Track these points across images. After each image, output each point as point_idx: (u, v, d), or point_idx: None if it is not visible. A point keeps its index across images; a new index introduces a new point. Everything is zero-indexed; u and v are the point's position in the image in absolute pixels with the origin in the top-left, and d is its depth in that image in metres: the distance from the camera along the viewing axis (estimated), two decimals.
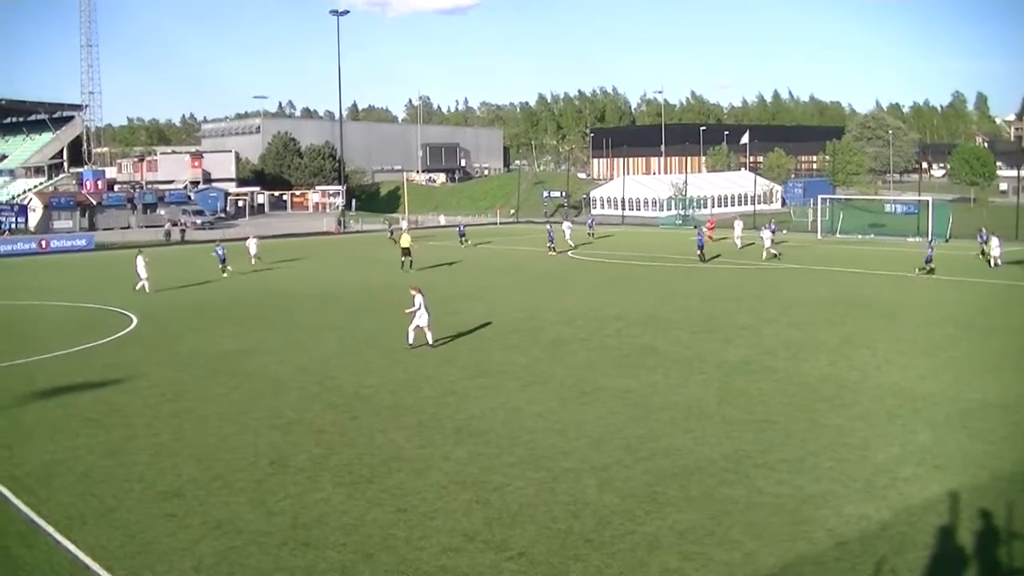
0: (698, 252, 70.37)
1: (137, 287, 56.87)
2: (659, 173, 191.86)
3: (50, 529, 18.58)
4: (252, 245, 73.40)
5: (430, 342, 36.52)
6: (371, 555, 17.02)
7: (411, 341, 36.40)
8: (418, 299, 36.15)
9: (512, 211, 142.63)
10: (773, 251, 71.11)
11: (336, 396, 29.37)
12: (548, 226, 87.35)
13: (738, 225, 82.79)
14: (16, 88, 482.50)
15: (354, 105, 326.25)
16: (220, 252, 67.80)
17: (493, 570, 16.32)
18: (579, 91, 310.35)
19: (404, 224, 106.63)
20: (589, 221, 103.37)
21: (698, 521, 18.31)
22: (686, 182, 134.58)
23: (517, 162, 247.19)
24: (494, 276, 62.57)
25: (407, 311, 36.84)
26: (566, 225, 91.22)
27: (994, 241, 64.16)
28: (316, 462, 22.64)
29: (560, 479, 20.92)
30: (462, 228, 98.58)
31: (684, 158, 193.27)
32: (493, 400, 28.39)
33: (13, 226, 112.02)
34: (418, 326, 36.35)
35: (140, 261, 58.20)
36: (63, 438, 25.37)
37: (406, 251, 68.07)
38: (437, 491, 20.26)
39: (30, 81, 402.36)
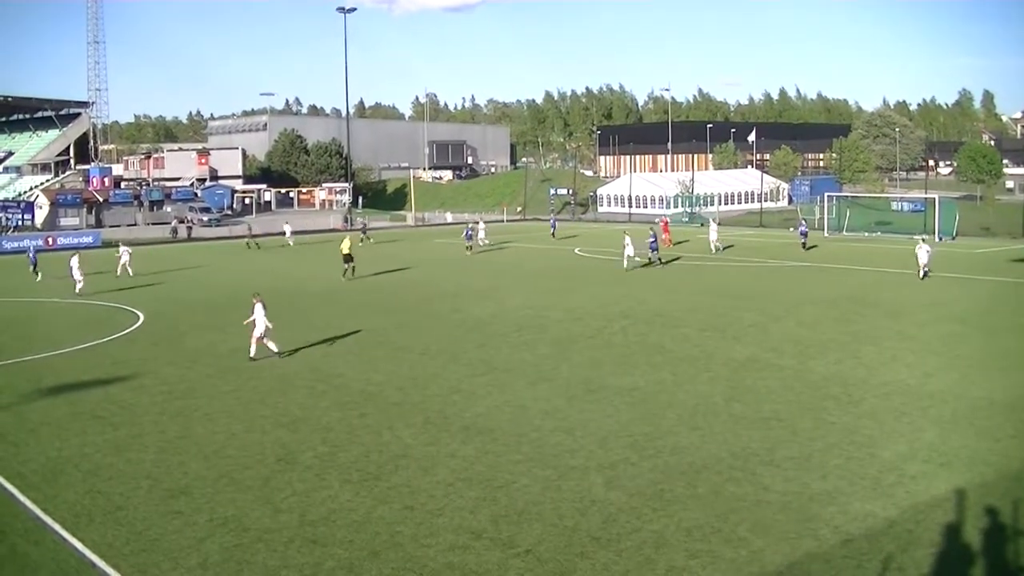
0: (650, 254, 64.87)
1: (77, 290, 55.65)
2: (666, 171, 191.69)
3: (56, 526, 18.65)
4: (124, 253, 66.68)
5: (275, 350, 35.20)
6: (378, 552, 17.04)
7: (253, 354, 34.97)
8: (258, 308, 34.73)
9: (519, 208, 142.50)
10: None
11: (343, 394, 29.42)
12: (468, 225, 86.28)
13: (713, 227, 79.78)
14: (23, 85, 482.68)
15: (361, 102, 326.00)
16: (32, 256, 66.68)
17: (500, 567, 16.34)
18: (586, 88, 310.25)
19: (287, 229, 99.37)
20: (552, 220, 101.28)
21: (705, 519, 18.31)
22: (692, 180, 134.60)
23: (524, 160, 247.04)
24: (500, 274, 62.38)
25: (244, 322, 35.94)
26: (480, 225, 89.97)
27: (923, 248, 56.18)
28: (323, 460, 22.68)
29: (567, 477, 20.94)
30: (364, 225, 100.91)
31: (691, 156, 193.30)
32: (500, 398, 28.42)
33: (20, 223, 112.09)
34: (259, 337, 34.84)
35: (75, 262, 57.05)
36: (70, 435, 25.41)
37: (347, 257, 61.46)
38: (444, 489, 20.30)
39: (37, 78, 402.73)
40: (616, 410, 26.72)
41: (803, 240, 76.85)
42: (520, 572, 16.17)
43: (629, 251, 63.38)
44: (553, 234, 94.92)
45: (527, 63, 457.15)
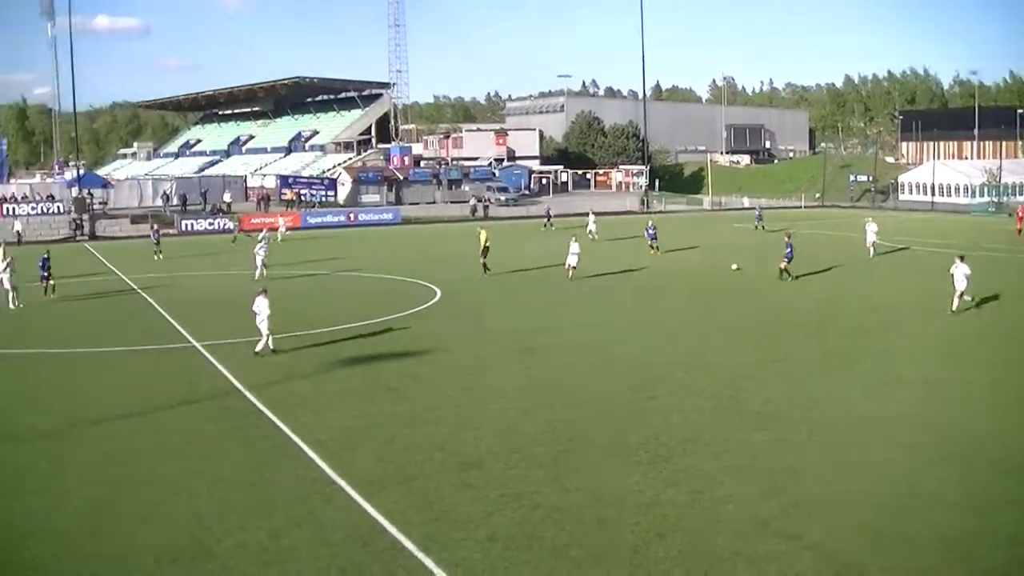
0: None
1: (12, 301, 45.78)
2: (971, 158, 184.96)
3: (352, 492, 19.30)
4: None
5: None
6: (664, 535, 16.95)
7: None
8: None
9: (817, 195, 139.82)
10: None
11: (634, 376, 29.41)
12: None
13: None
14: (328, 67, 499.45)
15: (657, 85, 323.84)
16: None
17: (787, 558, 16.03)
18: (888, 72, 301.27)
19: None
20: (547, 211, 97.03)
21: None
22: (1000, 168, 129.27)
23: (823, 145, 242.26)
24: (797, 261, 61.15)
25: None
26: (591, 218, 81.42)
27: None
28: (613, 440, 22.72)
29: (858, 469, 20.42)
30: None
31: (999, 143, 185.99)
32: (791, 385, 27.98)
33: (324, 199, 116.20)
34: None
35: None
36: (366, 405, 26.23)
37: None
38: (733, 475, 20.07)
39: (341, 60, 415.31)
40: (911, 401, 25.94)
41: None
42: (808, 564, 15.81)
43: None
44: (548, 225, 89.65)
45: (827, 45, 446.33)
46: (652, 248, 64.73)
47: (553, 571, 15.73)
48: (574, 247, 51.34)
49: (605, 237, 74.83)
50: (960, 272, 39.52)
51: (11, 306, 44.43)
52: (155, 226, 76.02)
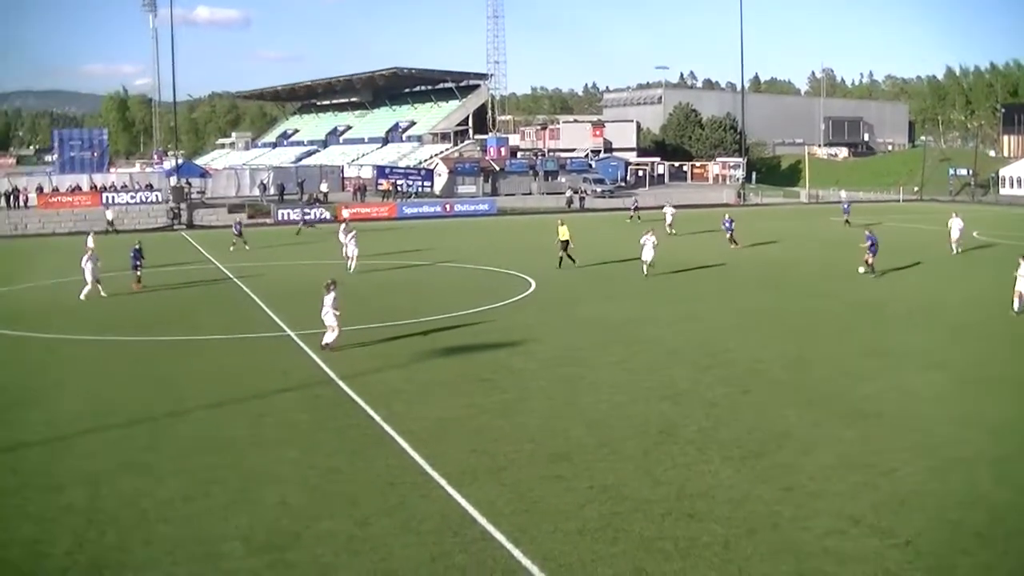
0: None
1: (82, 294, 44.51)
2: None
3: (443, 482, 19.39)
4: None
5: None
6: (754, 531, 16.82)
7: None
8: None
9: (916, 189, 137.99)
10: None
11: (728, 370, 29.24)
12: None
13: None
14: (426, 58, 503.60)
15: (756, 77, 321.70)
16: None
17: (877, 556, 15.83)
18: (990, 64, 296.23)
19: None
20: (634, 202, 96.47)
21: None
22: None
23: (922, 138, 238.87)
24: (895, 256, 60.32)
25: None
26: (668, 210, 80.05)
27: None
28: (705, 434, 22.61)
29: (953, 468, 20.06)
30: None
31: None
32: (887, 382, 27.57)
33: (420, 190, 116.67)
34: None
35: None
36: (458, 396, 26.34)
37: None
38: (825, 471, 19.86)
39: (439, 51, 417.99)
40: (1011, 402, 25.50)
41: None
42: (898, 563, 15.59)
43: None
44: (634, 216, 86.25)
45: (927, 37, 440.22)
46: (733, 242, 63.71)
47: (641, 564, 15.66)
48: (650, 240, 50.50)
49: (686, 231, 74.19)
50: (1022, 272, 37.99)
51: (80, 296, 44.26)
52: (239, 218, 76.87)
